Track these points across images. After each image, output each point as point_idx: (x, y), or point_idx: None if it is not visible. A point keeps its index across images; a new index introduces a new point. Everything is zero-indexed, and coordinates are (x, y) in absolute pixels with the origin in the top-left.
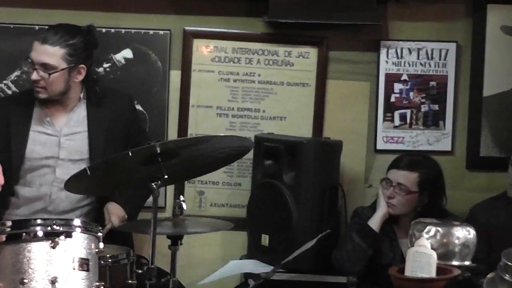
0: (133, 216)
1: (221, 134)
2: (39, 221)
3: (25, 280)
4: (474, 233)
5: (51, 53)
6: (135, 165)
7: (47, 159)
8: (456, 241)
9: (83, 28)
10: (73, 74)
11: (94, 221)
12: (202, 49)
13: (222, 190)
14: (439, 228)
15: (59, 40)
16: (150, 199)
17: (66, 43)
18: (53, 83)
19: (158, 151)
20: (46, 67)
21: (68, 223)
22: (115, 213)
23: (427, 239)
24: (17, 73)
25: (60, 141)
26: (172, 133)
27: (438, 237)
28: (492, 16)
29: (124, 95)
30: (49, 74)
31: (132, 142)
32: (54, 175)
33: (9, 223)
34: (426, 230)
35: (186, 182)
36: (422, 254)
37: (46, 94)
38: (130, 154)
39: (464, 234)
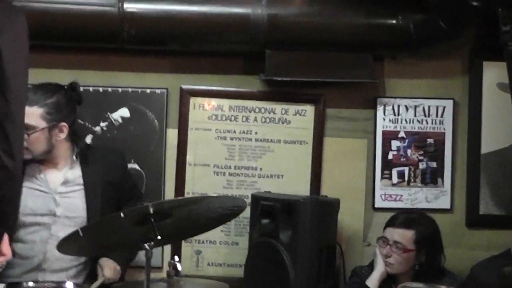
0: (125, 270)
1: (215, 194)
2: (31, 284)
3: None
4: None
5: (29, 113)
6: (128, 225)
7: (42, 216)
8: None
9: (66, 86)
10: (54, 132)
11: (88, 279)
12: (199, 108)
13: (220, 249)
14: None
15: (37, 100)
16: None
17: (45, 102)
18: (34, 143)
19: (151, 211)
20: (25, 127)
21: (60, 286)
22: (107, 265)
23: None
24: None
25: (56, 198)
26: (169, 192)
27: None
28: (488, 73)
29: (116, 152)
30: (29, 135)
31: (125, 198)
32: (49, 232)
33: (1, 286)
34: None
35: (183, 241)
36: None
37: (29, 155)
38: (122, 215)
39: None
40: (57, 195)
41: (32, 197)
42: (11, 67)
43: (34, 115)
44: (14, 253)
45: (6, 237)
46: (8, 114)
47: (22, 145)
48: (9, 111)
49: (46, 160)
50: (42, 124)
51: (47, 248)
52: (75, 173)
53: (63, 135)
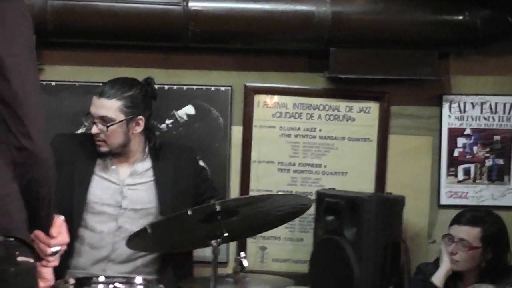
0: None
1: (280, 192)
2: (101, 279)
3: None
4: None
5: (108, 106)
6: (195, 222)
7: (108, 206)
8: None
9: (141, 81)
10: (131, 125)
11: (157, 269)
12: (263, 105)
13: (284, 245)
14: None
15: (115, 93)
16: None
17: (123, 96)
18: (112, 135)
19: (218, 209)
20: (104, 120)
21: (129, 281)
22: None
23: None
24: (81, 130)
25: (123, 190)
26: (234, 189)
27: None
28: None
29: (186, 148)
30: (107, 127)
31: (200, 192)
32: (116, 224)
33: (72, 281)
34: None
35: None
36: None
37: (106, 147)
38: (190, 213)
39: None
40: (125, 187)
41: (101, 186)
42: (3, 46)
43: (112, 108)
44: (83, 241)
45: (58, 220)
46: (14, 95)
47: (41, 127)
48: (14, 92)
49: (119, 154)
50: (120, 116)
51: (115, 240)
52: (144, 166)
53: (139, 129)
